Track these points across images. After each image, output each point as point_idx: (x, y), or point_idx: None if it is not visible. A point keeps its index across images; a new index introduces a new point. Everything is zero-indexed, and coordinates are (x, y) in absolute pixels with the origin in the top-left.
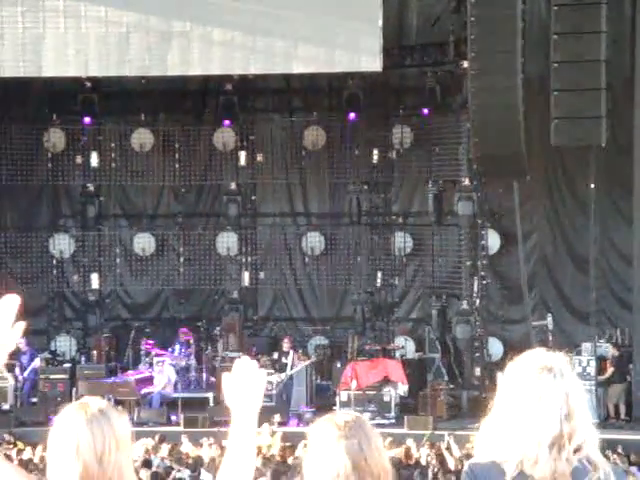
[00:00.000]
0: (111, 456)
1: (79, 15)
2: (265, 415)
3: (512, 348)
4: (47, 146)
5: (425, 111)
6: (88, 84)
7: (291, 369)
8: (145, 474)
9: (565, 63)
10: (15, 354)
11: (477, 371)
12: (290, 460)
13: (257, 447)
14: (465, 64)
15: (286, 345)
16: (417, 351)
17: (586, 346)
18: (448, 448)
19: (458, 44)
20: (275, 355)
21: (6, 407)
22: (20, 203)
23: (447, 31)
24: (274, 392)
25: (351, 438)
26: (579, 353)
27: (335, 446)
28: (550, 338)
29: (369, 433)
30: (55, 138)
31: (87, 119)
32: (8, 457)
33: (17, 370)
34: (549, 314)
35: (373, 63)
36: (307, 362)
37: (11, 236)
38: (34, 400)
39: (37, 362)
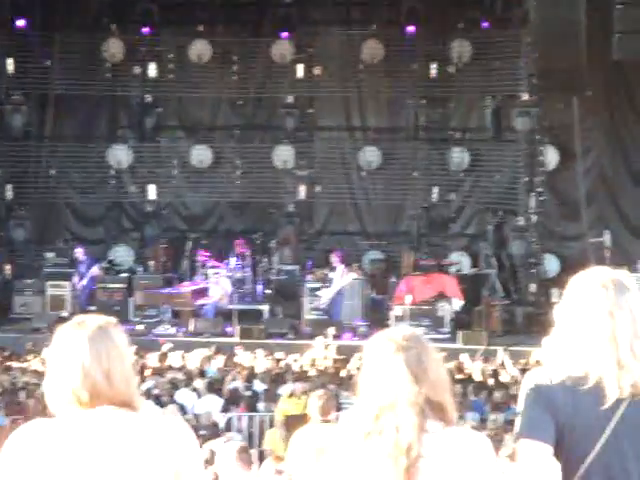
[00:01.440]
0: (117, 369)
1: None
2: (318, 328)
3: (568, 265)
4: (106, 56)
5: (485, 24)
6: None
7: (338, 284)
8: (200, 383)
9: None
10: (74, 263)
11: (532, 287)
12: (343, 373)
13: (311, 359)
14: None
15: (334, 259)
16: (472, 267)
17: None
18: (502, 363)
19: None
20: (324, 270)
21: (64, 314)
22: (78, 113)
23: None
24: (323, 306)
25: (410, 350)
26: (637, 270)
27: (394, 358)
28: (607, 255)
29: (427, 345)
30: (114, 48)
31: (146, 29)
32: None
33: (75, 279)
34: (607, 231)
35: None
36: (351, 277)
37: (69, 146)
38: (92, 308)
39: (95, 271)
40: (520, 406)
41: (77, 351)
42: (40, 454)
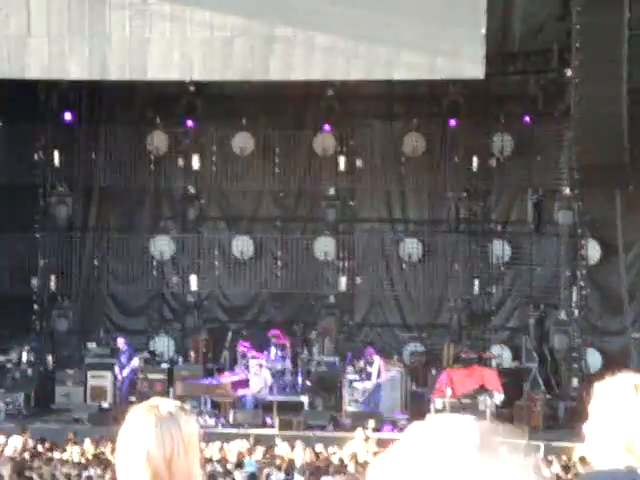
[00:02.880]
0: (180, 460)
1: (185, 19)
2: (359, 421)
3: (611, 360)
4: (150, 149)
5: (527, 119)
6: (192, 88)
7: (377, 377)
8: (239, 475)
9: None
10: (115, 353)
11: (575, 382)
12: None
13: (352, 453)
14: (569, 72)
15: (369, 355)
16: (514, 360)
17: None
18: (545, 459)
19: (562, 52)
20: (361, 363)
21: (105, 405)
22: (122, 205)
23: (551, 38)
24: (361, 399)
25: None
26: None
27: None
28: None
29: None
30: (158, 141)
31: (190, 122)
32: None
33: (116, 369)
34: None
35: (475, 70)
36: (391, 372)
37: (113, 237)
38: (132, 399)
39: (136, 362)
40: None
41: (142, 435)
42: None
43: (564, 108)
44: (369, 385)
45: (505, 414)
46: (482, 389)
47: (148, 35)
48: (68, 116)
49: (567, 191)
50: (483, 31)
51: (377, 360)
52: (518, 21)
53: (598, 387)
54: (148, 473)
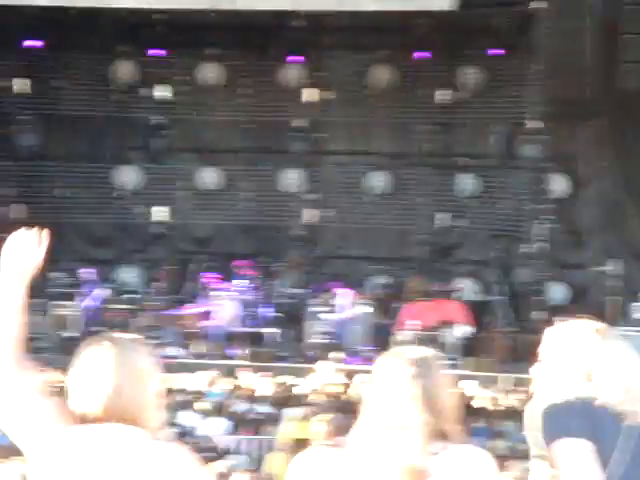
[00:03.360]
0: (130, 389)
1: None
2: (323, 352)
3: (574, 293)
4: (116, 78)
5: (494, 52)
6: (158, 16)
7: (342, 309)
8: (204, 405)
9: (638, 5)
10: (79, 283)
11: (537, 315)
12: (344, 397)
13: (315, 385)
14: (536, 4)
15: (337, 289)
16: (478, 293)
17: None
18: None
19: None
20: (327, 295)
21: (68, 334)
22: (87, 134)
23: None
24: (327, 330)
25: (425, 376)
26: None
27: (408, 382)
28: (613, 284)
29: (440, 371)
30: (124, 70)
31: (156, 52)
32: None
33: (80, 299)
34: (612, 260)
35: (444, 2)
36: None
37: (77, 167)
38: (96, 329)
39: (100, 292)
40: (529, 429)
41: (93, 364)
42: (44, 462)
43: (531, 42)
44: (333, 317)
45: (469, 347)
46: (446, 322)
47: None
48: (32, 43)
49: (533, 124)
50: None
51: (348, 294)
52: None
53: (549, 331)
54: (100, 402)
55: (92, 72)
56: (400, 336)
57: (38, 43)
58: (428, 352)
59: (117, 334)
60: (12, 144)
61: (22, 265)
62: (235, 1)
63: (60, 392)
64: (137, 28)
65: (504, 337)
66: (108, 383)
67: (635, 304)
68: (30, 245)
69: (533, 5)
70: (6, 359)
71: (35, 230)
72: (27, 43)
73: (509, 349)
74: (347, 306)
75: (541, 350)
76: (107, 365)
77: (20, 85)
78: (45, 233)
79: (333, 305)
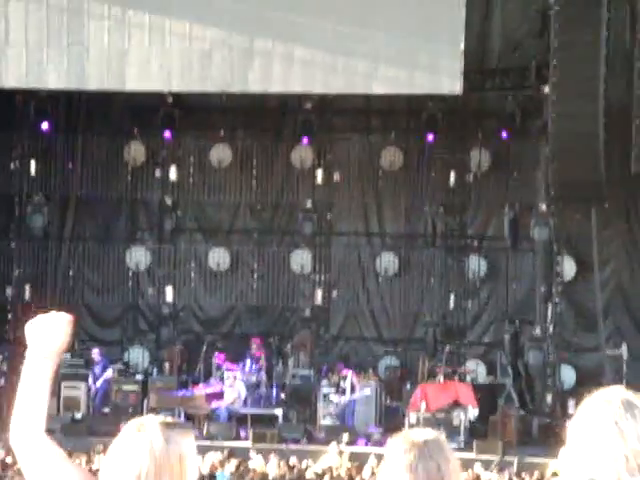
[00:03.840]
0: (170, 475)
1: (164, 30)
2: (333, 434)
3: (585, 376)
4: (127, 159)
5: (504, 135)
6: (169, 99)
7: (351, 391)
8: None
9: None
10: (89, 364)
11: (548, 398)
12: None
13: (326, 467)
14: (546, 89)
15: (342, 371)
16: (488, 375)
17: None
18: (518, 474)
19: (540, 69)
20: (336, 377)
21: (78, 416)
22: (98, 215)
23: (529, 55)
24: (336, 412)
25: (431, 459)
26: None
27: (415, 466)
28: (624, 368)
29: (448, 455)
30: (135, 152)
31: (167, 133)
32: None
33: (90, 380)
34: (624, 343)
35: (453, 86)
36: (365, 389)
37: (89, 247)
38: (106, 410)
39: (110, 373)
40: None
41: (131, 452)
42: None
43: (541, 124)
44: (343, 400)
45: (479, 429)
46: (456, 404)
47: (127, 46)
48: (45, 125)
49: (543, 207)
50: (461, 46)
51: (350, 375)
52: (497, 37)
53: (581, 406)
54: None
55: (104, 153)
56: (411, 418)
57: (50, 125)
58: (435, 435)
59: (158, 418)
60: (24, 225)
61: (49, 346)
62: (247, 84)
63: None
64: (149, 110)
65: (515, 420)
66: (149, 468)
67: None
68: (56, 327)
69: (544, 88)
70: (38, 431)
71: (61, 313)
72: (41, 126)
73: (520, 432)
74: (356, 387)
75: (570, 430)
76: (148, 449)
77: (33, 166)
78: (70, 317)
79: (343, 386)
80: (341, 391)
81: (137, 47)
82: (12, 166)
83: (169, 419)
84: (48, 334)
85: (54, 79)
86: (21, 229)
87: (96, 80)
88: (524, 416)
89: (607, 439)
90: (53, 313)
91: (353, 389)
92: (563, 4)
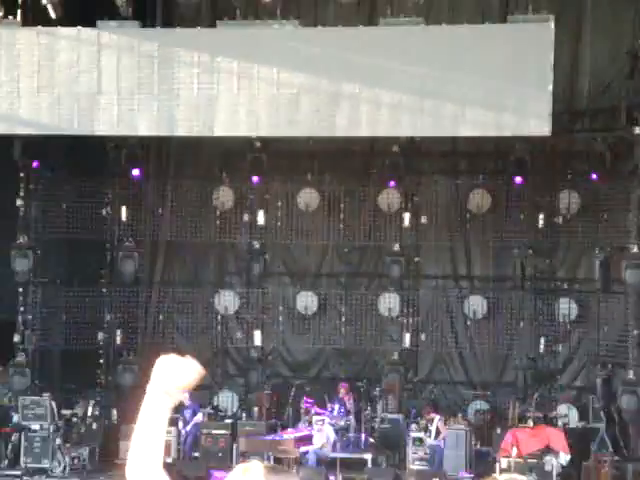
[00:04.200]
0: None
1: (252, 76)
2: (423, 479)
3: None
4: (216, 204)
5: (594, 176)
6: (257, 144)
7: (436, 435)
8: None
9: None
10: (179, 408)
11: None
12: None
13: None
14: (637, 130)
15: (428, 415)
16: (580, 420)
17: None
18: None
19: (630, 109)
20: (424, 420)
21: (169, 460)
22: (187, 260)
23: (619, 96)
24: (426, 456)
25: None
26: None
27: None
28: None
29: None
30: (224, 196)
31: (255, 178)
32: None
33: (180, 424)
34: None
35: (542, 127)
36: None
37: (178, 291)
38: (196, 455)
39: (199, 417)
40: None
41: None
42: None
43: (632, 166)
44: (434, 443)
45: (572, 475)
46: (548, 449)
47: (215, 92)
48: (136, 172)
49: (635, 249)
50: (550, 88)
51: (436, 419)
52: (586, 78)
53: None
54: None
55: (193, 198)
56: (502, 463)
57: (141, 172)
58: (522, 478)
59: (263, 463)
60: (115, 270)
61: (172, 383)
62: (334, 129)
63: None
64: (237, 155)
65: (609, 466)
66: None
67: None
68: (185, 370)
69: (634, 129)
70: (156, 466)
71: (194, 361)
72: (132, 172)
73: (614, 478)
74: (446, 432)
75: None
76: None
77: (124, 213)
78: (201, 368)
79: (431, 430)
80: (430, 434)
81: (226, 93)
82: (103, 212)
83: (273, 464)
84: (175, 373)
85: (144, 126)
86: (112, 275)
87: (185, 126)
88: (618, 462)
89: None
90: (187, 358)
91: (438, 433)
92: None
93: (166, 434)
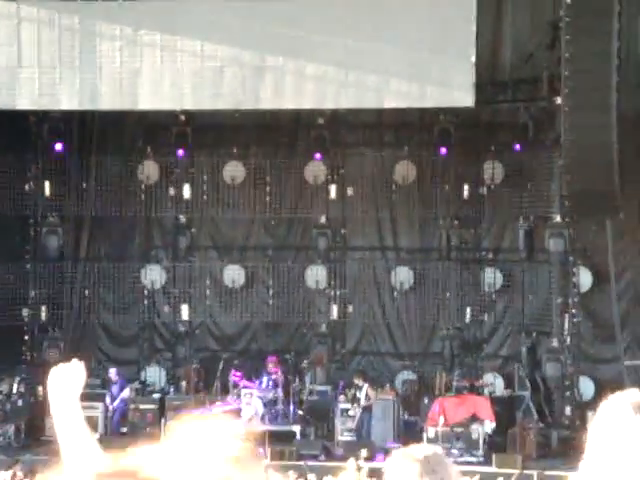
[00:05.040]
0: None
1: (175, 49)
2: (351, 450)
3: (604, 388)
4: (141, 178)
5: (517, 147)
6: (182, 117)
7: (367, 399)
8: None
9: None
10: (105, 384)
11: (567, 410)
12: None
13: None
14: (559, 100)
15: (358, 381)
16: (506, 388)
17: None
18: None
19: (552, 80)
20: (352, 391)
21: (96, 436)
22: (113, 235)
23: (541, 67)
24: (353, 426)
25: (434, 474)
26: None
27: None
28: None
29: (450, 469)
30: (149, 170)
31: (180, 152)
32: None
33: (107, 400)
34: None
35: (465, 99)
36: (372, 399)
37: (104, 267)
38: (124, 430)
39: (127, 392)
40: None
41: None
42: None
43: (554, 136)
44: (362, 414)
45: (498, 443)
46: (474, 418)
47: (139, 65)
48: (59, 146)
49: (558, 219)
50: (473, 59)
51: (365, 386)
52: (508, 49)
53: (596, 413)
54: None
55: (118, 173)
56: (429, 432)
57: (64, 146)
58: (433, 449)
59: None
60: (39, 246)
61: (72, 392)
62: (258, 101)
63: None
64: (162, 129)
65: (534, 433)
66: None
67: None
68: (74, 374)
69: (556, 99)
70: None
71: (74, 361)
72: (55, 147)
73: (539, 445)
74: (374, 402)
75: (589, 442)
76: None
77: (47, 188)
78: (81, 363)
79: (359, 402)
80: (357, 404)
81: (149, 66)
82: (26, 187)
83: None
84: (69, 382)
85: (67, 100)
86: (36, 250)
87: (108, 100)
88: (543, 429)
89: (627, 446)
90: (69, 363)
91: (370, 404)
92: (573, 15)
93: (90, 410)
